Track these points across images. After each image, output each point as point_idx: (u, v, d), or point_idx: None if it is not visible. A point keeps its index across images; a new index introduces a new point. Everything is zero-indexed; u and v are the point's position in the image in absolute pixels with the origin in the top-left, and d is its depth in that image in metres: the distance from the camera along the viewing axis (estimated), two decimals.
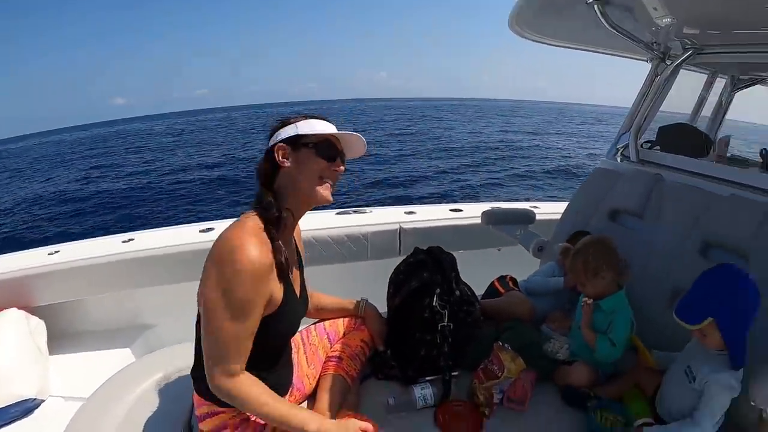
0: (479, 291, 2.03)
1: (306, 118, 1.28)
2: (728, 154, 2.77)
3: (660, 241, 1.86)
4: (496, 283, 2.06)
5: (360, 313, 1.68)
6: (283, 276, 1.22)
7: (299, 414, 1.20)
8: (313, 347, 1.61)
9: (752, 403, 1.31)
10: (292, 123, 1.26)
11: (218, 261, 1.10)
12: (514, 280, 2.10)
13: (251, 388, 1.15)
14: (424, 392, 1.51)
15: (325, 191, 1.26)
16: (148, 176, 15.58)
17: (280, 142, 1.23)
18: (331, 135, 1.27)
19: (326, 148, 1.25)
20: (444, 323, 1.58)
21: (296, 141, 1.23)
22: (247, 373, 1.16)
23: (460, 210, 2.98)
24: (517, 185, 13.39)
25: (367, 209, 2.94)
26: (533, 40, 2.39)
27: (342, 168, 1.29)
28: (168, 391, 1.50)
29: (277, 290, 1.21)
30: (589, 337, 1.65)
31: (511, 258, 2.33)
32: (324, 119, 1.29)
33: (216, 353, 1.12)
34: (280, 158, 1.22)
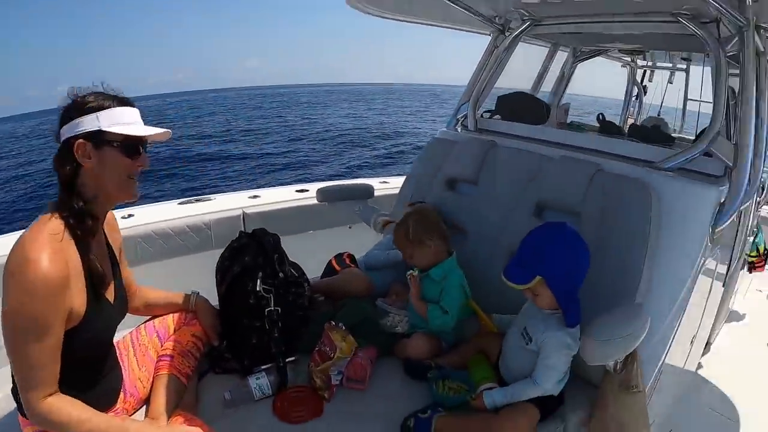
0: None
1: (104, 99, 1.14)
2: (568, 121, 2.95)
3: (495, 205, 1.90)
4: (333, 262, 2.01)
5: (191, 306, 1.56)
6: (89, 282, 1.14)
7: (122, 425, 1.14)
8: (143, 348, 1.47)
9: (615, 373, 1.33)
10: (90, 111, 1.11)
11: (10, 276, 1.01)
12: (351, 256, 2.06)
13: (66, 409, 1.06)
14: (259, 382, 1.43)
15: (131, 188, 1.20)
16: None
17: (80, 136, 1.10)
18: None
19: (132, 146, 1.16)
20: (271, 308, 1.50)
21: (98, 137, 1.11)
22: (59, 395, 1.07)
23: (306, 190, 2.93)
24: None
25: (211, 196, 2.81)
26: (376, 15, 2.38)
27: (147, 162, 1.22)
28: None
29: (79, 300, 1.11)
30: (420, 309, 1.63)
31: (364, 235, 2.30)
32: (123, 101, 1.17)
33: (22, 379, 1.04)
34: (81, 157, 1.10)
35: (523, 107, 2.37)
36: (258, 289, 1.49)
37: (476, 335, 1.64)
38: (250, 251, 1.56)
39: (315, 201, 2.48)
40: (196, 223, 2.50)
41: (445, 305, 1.61)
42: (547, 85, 3.36)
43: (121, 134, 1.12)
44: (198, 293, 1.56)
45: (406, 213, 1.71)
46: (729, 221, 1.53)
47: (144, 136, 1.18)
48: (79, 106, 1.12)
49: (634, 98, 4.11)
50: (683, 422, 1.99)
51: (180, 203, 2.64)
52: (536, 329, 1.32)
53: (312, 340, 1.54)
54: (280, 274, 1.53)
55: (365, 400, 1.44)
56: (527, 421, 1.27)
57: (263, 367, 1.46)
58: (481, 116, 2.39)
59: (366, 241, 2.19)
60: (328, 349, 1.45)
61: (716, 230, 1.52)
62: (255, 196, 2.87)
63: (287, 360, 1.50)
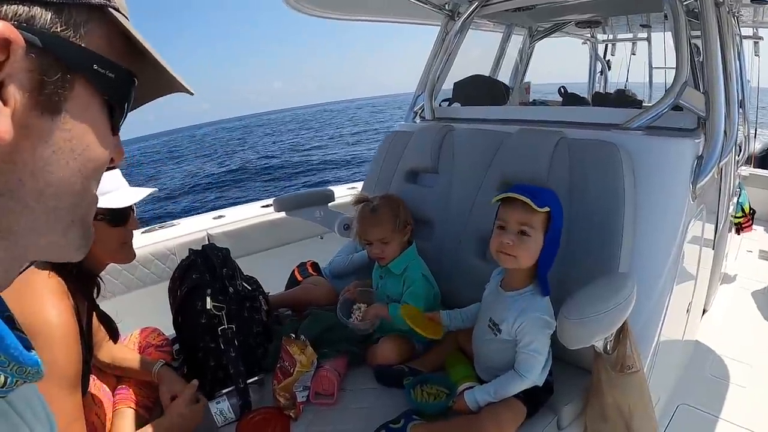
0: None
1: None
2: (530, 100, 2.86)
3: (458, 191, 1.78)
4: (296, 272, 1.88)
5: (153, 377, 1.38)
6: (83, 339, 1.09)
7: None
8: (98, 379, 1.34)
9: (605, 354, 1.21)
10: None
11: (39, 336, 0.94)
12: (314, 264, 1.93)
13: None
14: (220, 407, 1.30)
15: (126, 253, 1.19)
16: None
17: None
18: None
19: (119, 215, 1.13)
20: (224, 326, 1.36)
21: None
22: None
23: (271, 205, 2.80)
24: None
25: (175, 222, 2.69)
26: (317, 16, 2.28)
27: (137, 224, 1.20)
28: None
29: None
30: (381, 312, 1.49)
31: (338, 244, 2.18)
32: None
33: None
34: None
35: (480, 90, 2.28)
36: (208, 307, 1.35)
37: (452, 333, 1.48)
38: (197, 268, 1.43)
39: (280, 215, 2.38)
40: (160, 250, 2.39)
41: (406, 301, 1.48)
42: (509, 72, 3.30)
43: (105, 208, 1.09)
44: (162, 363, 1.40)
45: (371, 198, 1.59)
46: (710, 175, 1.44)
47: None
48: None
49: (599, 74, 4.06)
50: (688, 395, 1.87)
51: (143, 232, 2.52)
52: (504, 316, 1.18)
53: (277, 357, 1.41)
54: (231, 290, 1.39)
55: (335, 415, 1.30)
56: (512, 417, 1.13)
57: (224, 390, 1.33)
58: (439, 105, 2.28)
59: (339, 250, 2.07)
60: (287, 364, 1.32)
61: (697, 186, 1.42)
62: (219, 216, 2.77)
63: (250, 381, 1.37)
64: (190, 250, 1.52)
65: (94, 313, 1.17)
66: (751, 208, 2.79)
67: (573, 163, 1.45)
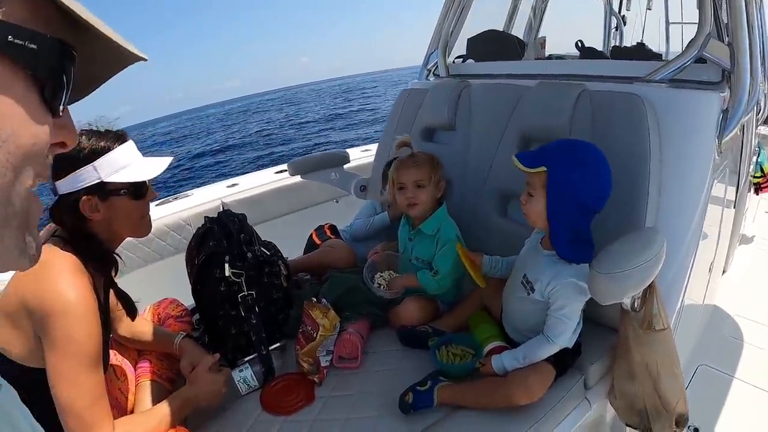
0: None
1: (98, 140, 1.05)
2: (546, 55, 2.76)
3: (476, 148, 1.73)
4: (314, 236, 1.86)
5: (174, 350, 1.37)
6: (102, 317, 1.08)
7: (171, 405, 1.12)
8: (120, 353, 1.35)
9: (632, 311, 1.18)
10: (85, 161, 1.02)
11: (61, 315, 0.94)
12: (332, 227, 1.90)
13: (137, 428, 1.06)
14: (243, 375, 1.31)
15: (146, 226, 1.17)
16: None
17: (82, 192, 1.02)
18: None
19: (139, 188, 1.11)
20: (244, 293, 1.35)
21: (102, 189, 1.05)
22: (121, 421, 1.04)
23: (286, 170, 2.76)
24: None
25: (189, 192, 2.66)
26: None
27: (155, 194, 1.18)
28: None
29: None
30: (410, 282, 1.47)
31: (352, 207, 2.14)
32: (117, 137, 1.09)
33: (89, 415, 0.96)
34: (89, 212, 1.05)
35: (495, 46, 2.18)
36: (227, 274, 1.34)
37: (475, 290, 1.47)
38: (214, 235, 1.40)
39: (295, 179, 2.34)
40: (175, 221, 2.36)
41: (437, 263, 1.45)
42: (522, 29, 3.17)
43: (127, 182, 1.07)
44: (183, 335, 1.38)
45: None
46: (735, 130, 1.37)
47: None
48: (72, 155, 1.02)
49: (614, 30, 3.90)
50: (707, 356, 1.86)
51: (157, 204, 2.50)
52: (539, 276, 1.15)
53: (298, 323, 1.40)
54: (249, 255, 1.37)
55: (359, 378, 1.30)
56: (540, 381, 1.12)
57: (246, 358, 1.33)
58: (453, 62, 2.20)
59: (354, 215, 2.04)
60: (310, 328, 1.31)
61: (723, 141, 1.36)
62: (233, 185, 2.72)
63: (272, 347, 1.37)
64: (205, 218, 1.49)
65: (112, 290, 1.16)
66: None
67: (596, 117, 1.39)
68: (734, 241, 2.40)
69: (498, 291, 1.38)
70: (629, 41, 3.77)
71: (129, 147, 1.09)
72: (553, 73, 1.73)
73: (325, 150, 2.61)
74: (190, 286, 1.47)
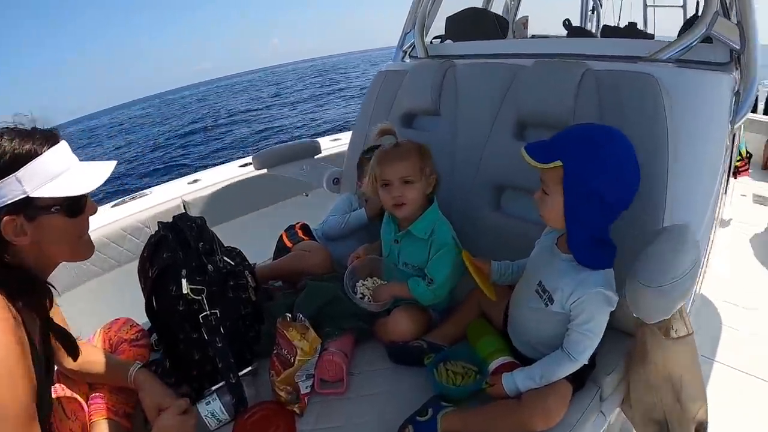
0: None
1: (21, 142, 0.83)
2: (529, 35, 2.63)
3: (465, 135, 1.56)
4: (284, 237, 1.65)
5: (129, 382, 1.15)
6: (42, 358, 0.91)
7: None
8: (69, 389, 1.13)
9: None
10: (6, 171, 0.81)
11: None
12: (305, 227, 1.70)
13: None
14: (211, 408, 1.11)
15: (86, 247, 0.98)
16: None
17: (5, 212, 0.81)
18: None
19: (77, 201, 0.90)
20: (206, 312, 1.15)
21: (29, 206, 0.84)
22: None
23: (251, 163, 2.55)
24: None
25: (147, 191, 2.42)
26: None
27: (95, 208, 0.97)
28: None
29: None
30: (402, 292, 1.30)
31: (326, 200, 1.96)
32: (46, 138, 0.87)
33: None
34: (13, 236, 0.83)
35: (476, 25, 2.03)
36: (185, 291, 1.13)
37: (471, 295, 1.31)
38: (168, 245, 1.19)
39: (261, 172, 2.15)
40: (132, 224, 2.12)
41: (432, 271, 1.27)
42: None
43: (60, 197, 0.86)
44: (139, 366, 1.16)
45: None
46: (747, 113, 1.29)
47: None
48: None
49: (590, 12, 3.80)
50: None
51: (114, 206, 2.26)
52: (559, 284, 0.99)
53: (271, 340, 1.22)
54: (209, 268, 1.17)
55: (347, 405, 1.13)
56: (560, 402, 0.97)
57: (214, 387, 1.14)
58: (431, 42, 2.02)
59: (326, 209, 1.85)
60: (286, 352, 1.13)
61: (735, 125, 1.27)
62: (195, 181, 2.49)
63: (242, 372, 1.18)
64: (159, 223, 1.27)
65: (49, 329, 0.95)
66: (747, 152, 2.71)
67: (603, 99, 1.25)
68: (716, 226, 2.38)
69: (499, 296, 1.23)
70: (608, 21, 3.69)
71: (61, 150, 0.89)
72: (545, 52, 1.58)
73: (299, 138, 2.41)
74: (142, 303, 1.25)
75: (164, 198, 2.28)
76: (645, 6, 3.78)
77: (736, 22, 1.30)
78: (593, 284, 0.95)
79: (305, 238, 1.62)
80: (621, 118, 1.20)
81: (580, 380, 1.05)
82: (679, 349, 1.05)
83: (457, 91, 1.61)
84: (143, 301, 1.25)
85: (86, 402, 1.12)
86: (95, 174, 0.91)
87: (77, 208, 0.91)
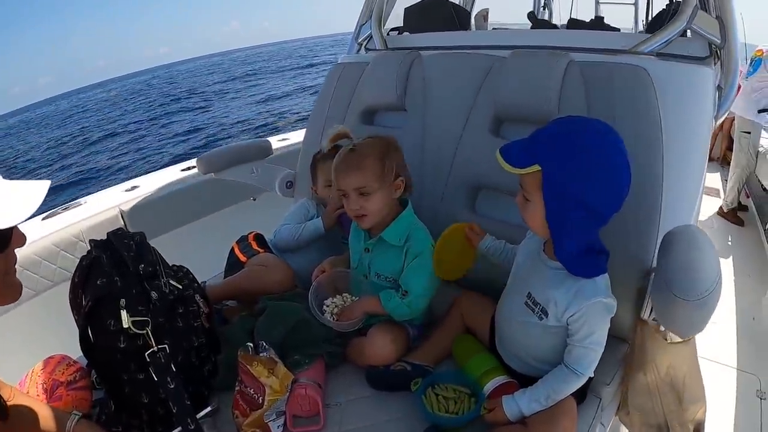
0: None
1: None
2: (491, 28, 2.56)
3: (435, 132, 1.45)
4: (236, 249, 1.47)
5: None
6: None
7: None
8: None
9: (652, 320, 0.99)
10: None
11: None
12: (259, 237, 1.52)
13: None
14: None
15: (12, 288, 0.79)
16: None
17: None
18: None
19: (3, 235, 0.72)
20: (153, 348, 0.96)
21: None
22: None
23: (194, 167, 2.34)
24: None
25: (81, 200, 2.18)
26: None
27: (23, 239, 0.78)
28: None
29: None
30: (370, 310, 1.17)
31: (277, 204, 1.80)
32: None
33: None
34: None
35: (436, 16, 1.92)
36: (125, 325, 0.94)
37: (452, 308, 1.20)
38: (102, 269, 0.99)
39: (206, 177, 1.96)
40: (65, 238, 1.88)
41: (406, 282, 1.14)
42: None
43: None
44: (78, 417, 0.94)
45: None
46: (729, 108, 1.28)
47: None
48: None
49: (541, 8, 3.81)
50: None
51: (44, 218, 2.00)
52: (551, 297, 0.90)
53: (231, 370, 1.06)
54: (153, 295, 0.98)
55: None
56: (570, 421, 0.88)
57: None
58: (387, 34, 1.90)
59: (279, 214, 1.68)
60: (252, 391, 0.97)
61: (717, 120, 1.26)
62: (133, 188, 2.26)
63: (200, 415, 1.00)
64: (90, 242, 1.07)
65: None
66: None
67: (590, 93, 1.18)
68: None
69: (481, 306, 1.14)
70: (557, 19, 3.71)
71: None
72: (512, 44, 1.49)
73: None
74: None
75: (100, 208, 2.05)
76: (597, 2, 3.84)
77: (715, 17, 1.28)
78: (591, 294, 0.86)
79: (260, 250, 1.43)
80: (611, 111, 1.14)
81: (582, 393, 0.96)
82: (681, 352, 1.00)
83: (425, 84, 1.49)
84: (77, 329, 1.06)
85: None
86: (26, 201, 0.70)
87: (3, 241, 0.72)
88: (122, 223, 2.03)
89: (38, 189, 0.72)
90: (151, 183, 2.27)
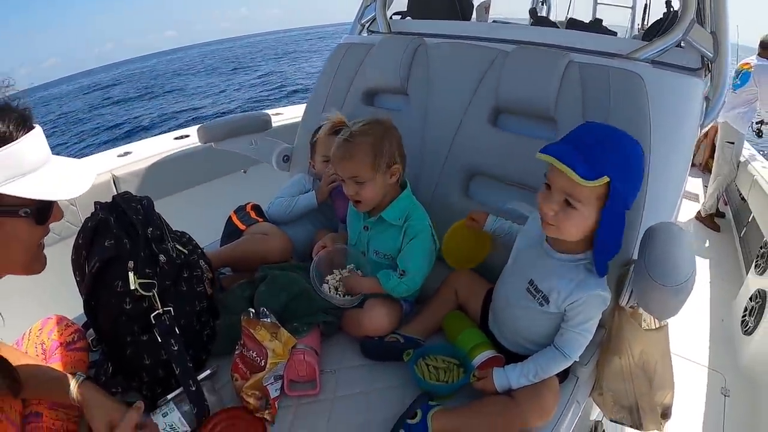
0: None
1: None
2: (491, 20, 2.60)
3: (436, 118, 1.49)
4: (234, 218, 1.49)
5: (71, 398, 0.91)
6: None
7: None
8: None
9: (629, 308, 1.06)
10: None
11: None
12: (257, 208, 1.55)
13: None
14: (169, 419, 0.97)
15: (40, 259, 0.86)
16: None
17: None
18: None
19: (47, 208, 0.77)
20: (159, 310, 0.99)
21: None
22: None
23: (188, 136, 2.34)
24: None
25: None
26: None
27: (61, 214, 0.84)
28: None
29: None
30: (373, 288, 1.22)
31: (265, 179, 1.82)
32: (25, 118, 0.72)
33: None
34: None
35: (440, 4, 1.94)
36: (133, 287, 0.97)
37: (445, 283, 1.26)
38: (110, 231, 1.01)
39: (200, 146, 1.94)
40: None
41: (404, 261, 1.20)
42: None
43: (32, 200, 0.72)
44: (82, 378, 0.94)
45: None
46: (716, 118, 1.35)
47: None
48: None
49: (540, 4, 3.84)
50: None
51: None
52: (554, 286, 0.95)
53: (229, 335, 1.11)
54: (161, 258, 1.01)
55: (323, 409, 1.04)
56: (553, 397, 0.96)
57: (170, 396, 0.99)
58: (390, 18, 1.91)
59: (269, 187, 1.72)
60: (254, 354, 1.02)
61: (702, 129, 1.33)
62: (126, 153, 2.23)
63: (201, 376, 1.03)
64: (96, 204, 1.09)
65: None
66: None
67: (586, 93, 1.23)
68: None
69: (476, 285, 1.21)
70: (554, 15, 3.75)
71: (36, 138, 0.73)
72: (514, 38, 1.53)
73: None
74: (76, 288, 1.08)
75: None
76: (595, 3, 3.88)
77: (710, 32, 1.35)
78: (594, 287, 0.92)
79: (259, 219, 1.46)
80: (605, 112, 1.19)
81: (565, 373, 1.04)
82: (654, 339, 1.08)
83: (429, 70, 1.53)
84: (75, 290, 1.08)
85: (21, 423, 0.93)
86: (77, 176, 0.76)
87: (45, 214, 0.77)
88: (114, 189, 2.01)
89: (88, 169, 0.79)
90: (144, 149, 2.25)
